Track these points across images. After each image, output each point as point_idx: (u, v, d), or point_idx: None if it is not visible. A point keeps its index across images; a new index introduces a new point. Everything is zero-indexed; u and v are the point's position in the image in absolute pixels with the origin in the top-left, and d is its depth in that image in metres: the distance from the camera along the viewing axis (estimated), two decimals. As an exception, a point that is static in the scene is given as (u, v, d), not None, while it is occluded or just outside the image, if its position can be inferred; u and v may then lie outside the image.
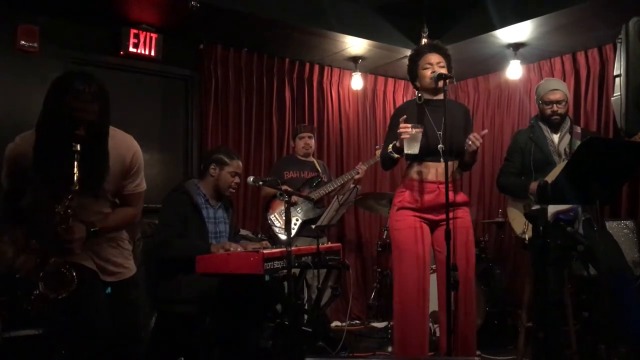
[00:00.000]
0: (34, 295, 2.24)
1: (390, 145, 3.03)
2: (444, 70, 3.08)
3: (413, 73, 3.21)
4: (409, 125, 2.88)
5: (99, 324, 2.36)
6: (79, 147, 2.23)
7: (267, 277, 2.99)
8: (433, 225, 3.14)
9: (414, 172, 3.13)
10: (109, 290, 2.44)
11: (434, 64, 3.09)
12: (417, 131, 2.89)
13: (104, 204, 2.48)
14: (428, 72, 3.09)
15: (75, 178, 2.22)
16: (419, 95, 3.18)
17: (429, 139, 3.03)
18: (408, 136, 2.87)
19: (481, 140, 2.98)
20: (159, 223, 3.42)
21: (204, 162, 3.60)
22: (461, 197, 3.18)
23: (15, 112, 4.11)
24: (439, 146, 3.03)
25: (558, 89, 3.65)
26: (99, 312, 2.38)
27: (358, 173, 4.63)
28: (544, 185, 2.50)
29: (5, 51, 4.19)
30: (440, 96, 3.09)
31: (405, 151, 2.93)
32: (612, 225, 4.31)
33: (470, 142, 2.96)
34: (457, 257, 2.85)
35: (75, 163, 2.22)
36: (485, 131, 3.13)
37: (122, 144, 2.47)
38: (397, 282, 3.09)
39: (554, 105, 3.61)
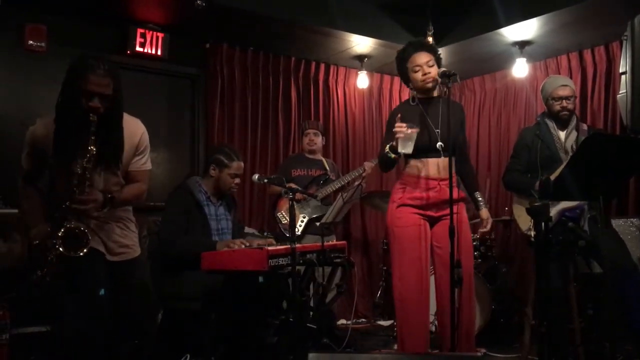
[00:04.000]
0: (50, 258, 2.37)
1: (387, 145, 3.03)
2: (433, 69, 3.07)
3: (404, 76, 3.21)
4: (404, 125, 2.89)
5: (100, 308, 2.49)
6: (95, 118, 2.39)
7: (260, 279, 3.02)
8: (432, 222, 3.13)
9: (413, 168, 3.13)
10: (102, 292, 2.51)
11: (423, 65, 3.09)
12: (412, 131, 2.91)
13: (117, 181, 2.62)
14: (419, 75, 3.09)
15: (92, 145, 2.38)
16: (413, 96, 3.19)
17: (429, 137, 3.05)
18: (402, 136, 2.88)
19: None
20: (162, 220, 3.44)
21: (205, 161, 3.62)
22: (460, 193, 3.17)
23: (23, 111, 4.14)
24: (437, 144, 3.04)
25: (567, 84, 3.65)
26: (100, 296, 2.49)
27: (365, 170, 4.65)
28: (546, 181, 2.49)
29: (13, 51, 4.23)
30: (435, 93, 3.15)
31: (400, 150, 2.94)
32: (618, 223, 4.28)
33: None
34: (461, 253, 2.86)
35: (92, 129, 2.38)
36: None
37: (131, 124, 2.65)
38: (398, 279, 3.08)
39: (563, 101, 3.60)
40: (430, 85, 3.09)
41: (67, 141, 2.43)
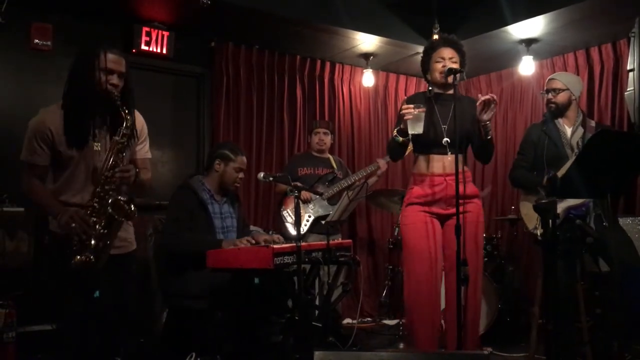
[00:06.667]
0: (97, 230, 2.38)
1: (395, 129, 3.03)
2: (455, 66, 3.05)
3: (425, 65, 3.21)
4: (411, 105, 2.88)
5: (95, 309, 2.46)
6: (118, 96, 2.46)
7: (256, 280, 3.02)
8: (442, 220, 3.12)
9: (421, 166, 3.13)
10: (97, 294, 2.49)
11: (446, 59, 3.08)
12: (420, 111, 2.88)
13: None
14: (439, 66, 3.09)
15: (126, 118, 2.45)
16: (430, 88, 3.17)
17: (436, 133, 3.04)
18: (411, 117, 2.87)
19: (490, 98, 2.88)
20: (167, 218, 3.45)
21: (209, 157, 3.62)
22: (471, 189, 3.13)
23: (29, 110, 4.10)
24: (443, 140, 3.03)
25: (555, 78, 3.68)
26: (97, 298, 2.48)
27: (379, 167, 4.63)
28: (553, 178, 2.47)
29: (19, 49, 4.24)
30: (450, 91, 3.08)
31: (410, 132, 2.92)
32: (626, 222, 4.25)
33: (481, 107, 2.89)
34: (467, 251, 2.84)
35: (118, 104, 2.44)
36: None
37: None
38: (407, 277, 3.09)
39: (550, 93, 3.63)
40: (445, 79, 3.07)
41: (87, 123, 2.46)
